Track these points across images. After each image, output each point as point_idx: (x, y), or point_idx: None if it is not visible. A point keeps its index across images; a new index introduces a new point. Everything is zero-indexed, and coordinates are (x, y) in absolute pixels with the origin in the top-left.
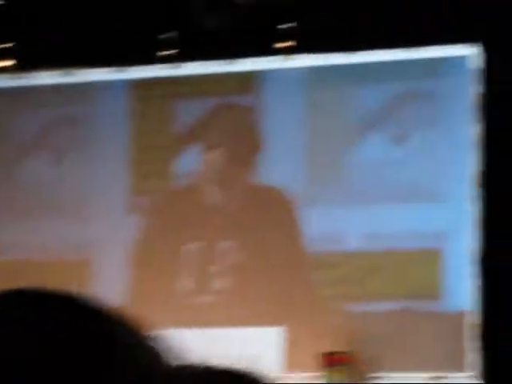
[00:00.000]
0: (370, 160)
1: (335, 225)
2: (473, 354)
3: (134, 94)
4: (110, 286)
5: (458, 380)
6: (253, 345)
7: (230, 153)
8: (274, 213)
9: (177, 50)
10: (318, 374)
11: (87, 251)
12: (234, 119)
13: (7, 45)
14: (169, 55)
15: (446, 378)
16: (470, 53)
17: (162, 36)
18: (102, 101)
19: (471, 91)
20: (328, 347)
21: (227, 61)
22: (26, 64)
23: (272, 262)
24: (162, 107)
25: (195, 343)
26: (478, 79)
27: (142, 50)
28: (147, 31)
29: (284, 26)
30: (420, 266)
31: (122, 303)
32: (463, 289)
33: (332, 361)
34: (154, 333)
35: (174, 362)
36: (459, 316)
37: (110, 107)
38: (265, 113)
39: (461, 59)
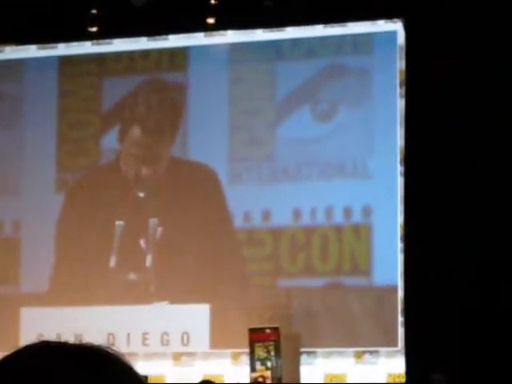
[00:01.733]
0: (295, 136)
1: (261, 202)
2: (401, 328)
3: (63, 71)
4: (38, 265)
5: (388, 354)
6: (180, 321)
7: (152, 127)
8: (201, 188)
9: (105, 27)
10: (245, 349)
11: (16, 229)
12: (159, 94)
13: None
14: (98, 32)
15: (375, 352)
16: (398, 28)
17: (91, 12)
18: (29, 77)
19: (398, 67)
20: (256, 323)
21: (155, 37)
22: None
23: (200, 238)
24: (91, 84)
25: (124, 319)
26: (402, 55)
27: (70, 27)
28: (76, 8)
29: (209, 2)
30: (347, 242)
31: (53, 282)
32: (392, 263)
33: (259, 336)
34: None
35: None
36: (388, 290)
37: (38, 84)
38: (190, 88)
39: (390, 34)
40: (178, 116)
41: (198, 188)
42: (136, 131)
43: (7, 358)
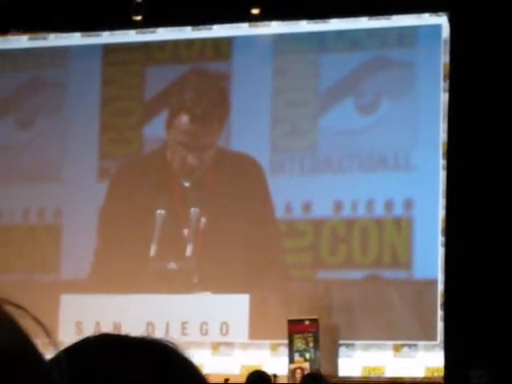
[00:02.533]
0: (338, 128)
1: (302, 193)
2: (440, 322)
3: (107, 59)
4: (79, 252)
5: (426, 348)
6: (219, 311)
7: (201, 115)
8: (246, 180)
9: (150, 16)
10: (283, 340)
11: (58, 216)
12: (205, 84)
13: None
14: (142, 21)
15: (414, 346)
16: (442, 22)
17: (136, 1)
18: (74, 65)
19: (442, 61)
20: (296, 314)
21: (199, 27)
22: None
23: (242, 229)
24: (135, 72)
25: (163, 308)
26: (446, 49)
27: (115, 15)
28: None
29: None
30: (388, 235)
31: (93, 270)
32: (432, 257)
33: (298, 328)
34: None
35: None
36: (428, 284)
37: (83, 72)
38: (234, 79)
39: (434, 28)
40: (225, 105)
41: (243, 179)
42: (184, 118)
43: (69, 351)
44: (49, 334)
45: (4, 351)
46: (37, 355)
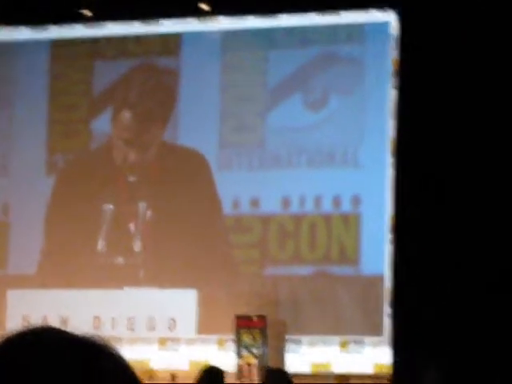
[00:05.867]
0: (286, 124)
1: (250, 189)
2: (386, 318)
3: (55, 54)
4: (27, 248)
5: (373, 343)
6: (167, 307)
7: (143, 112)
8: (191, 174)
9: (99, 10)
10: (231, 336)
11: (5, 211)
12: (152, 80)
13: None
14: (91, 15)
15: (361, 341)
16: (390, 19)
17: None
18: (22, 59)
19: (391, 57)
20: (242, 310)
21: (148, 22)
22: None
23: (189, 224)
24: (83, 67)
25: (110, 303)
26: (395, 45)
27: (63, 9)
28: None
29: None
30: (336, 231)
31: (40, 265)
32: (379, 254)
33: (245, 323)
34: None
35: None
36: (375, 280)
37: (30, 66)
38: (182, 74)
39: (382, 25)
40: (170, 102)
41: (188, 173)
42: (126, 115)
43: (5, 341)
44: None
45: None
46: None
